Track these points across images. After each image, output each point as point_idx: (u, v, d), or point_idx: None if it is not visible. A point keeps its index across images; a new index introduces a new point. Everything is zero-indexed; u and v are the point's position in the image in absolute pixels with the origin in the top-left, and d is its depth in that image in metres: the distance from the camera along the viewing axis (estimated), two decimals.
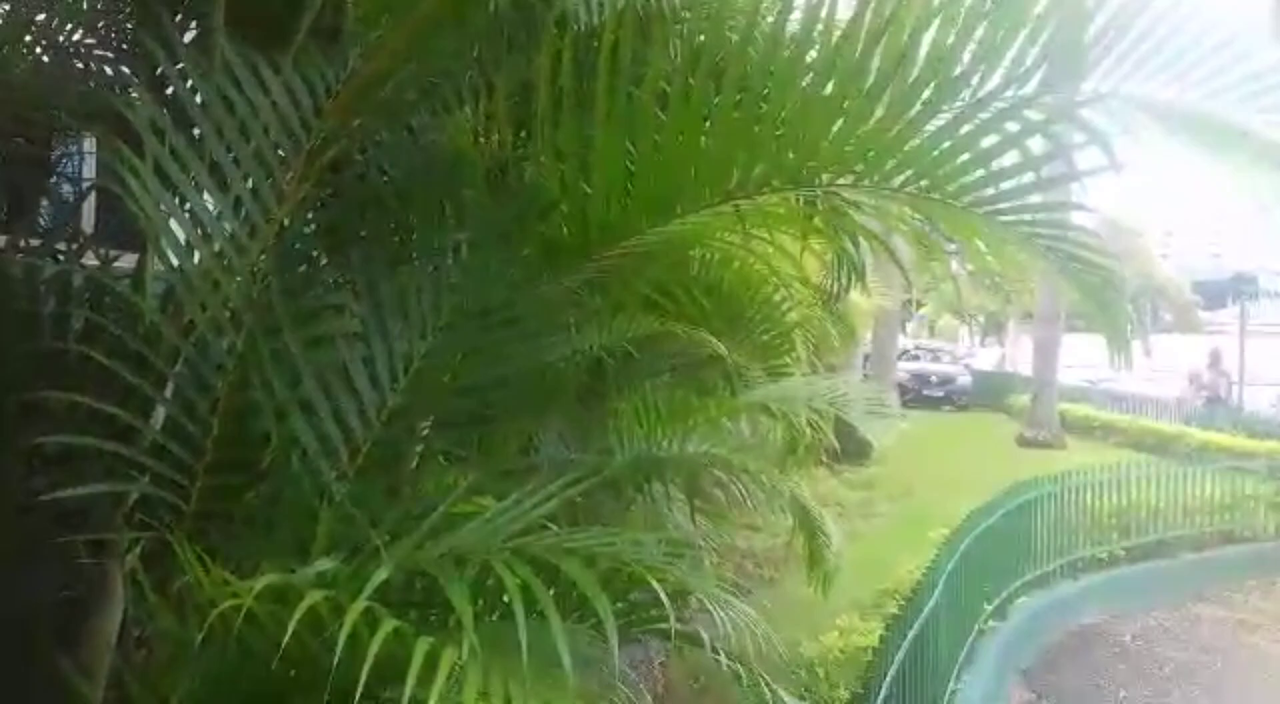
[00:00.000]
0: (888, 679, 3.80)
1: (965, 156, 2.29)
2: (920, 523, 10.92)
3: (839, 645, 5.78)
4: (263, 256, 2.20)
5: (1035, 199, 2.52)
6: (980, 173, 2.29)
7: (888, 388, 22.42)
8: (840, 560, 5.77)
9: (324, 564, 1.72)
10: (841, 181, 2.20)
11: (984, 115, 2.36)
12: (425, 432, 2.77)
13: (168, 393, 2.15)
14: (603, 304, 4.97)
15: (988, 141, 2.37)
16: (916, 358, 29.33)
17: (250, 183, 2.22)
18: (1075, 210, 2.75)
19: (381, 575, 1.66)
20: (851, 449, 14.52)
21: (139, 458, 2.07)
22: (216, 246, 2.16)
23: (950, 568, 5.94)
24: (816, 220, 3.47)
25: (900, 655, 4.19)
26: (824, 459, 12.76)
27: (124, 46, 2.31)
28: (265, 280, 2.18)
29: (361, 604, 1.56)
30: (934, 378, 27.48)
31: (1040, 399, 20.34)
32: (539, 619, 2.20)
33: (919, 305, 49.30)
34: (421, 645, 1.53)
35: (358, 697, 1.49)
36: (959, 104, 2.38)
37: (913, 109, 2.27)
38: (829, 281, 4.53)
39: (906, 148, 2.28)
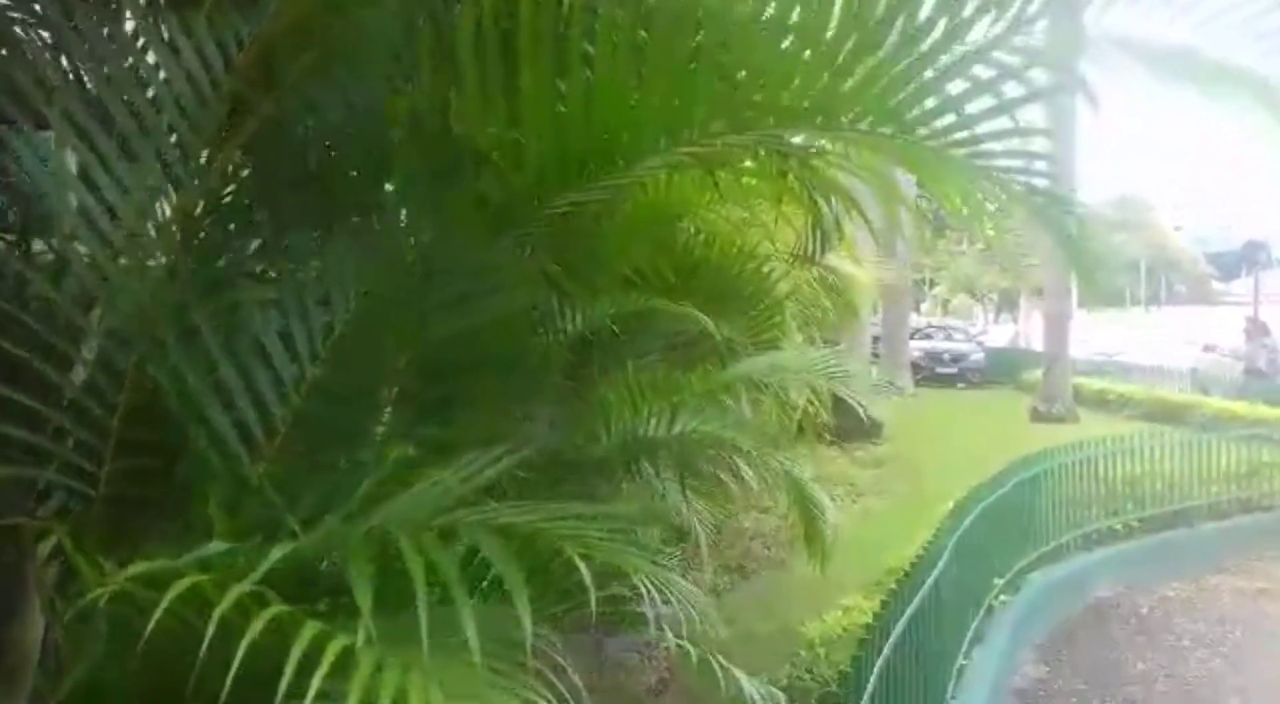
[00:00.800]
0: (882, 657, 3.64)
1: (931, 99, 2.13)
2: (932, 500, 10.76)
3: (842, 624, 5.63)
4: (174, 229, 2.06)
5: (1009, 144, 2.37)
6: (950, 117, 2.12)
7: (900, 367, 22.26)
8: (838, 538, 5.62)
9: (217, 547, 1.57)
10: (797, 125, 2.04)
11: (949, 57, 2.21)
12: (386, 412, 2.64)
13: (78, 375, 2.01)
14: (583, 285, 4.85)
15: (955, 86, 2.22)
16: (929, 336, 29.05)
17: (160, 152, 2.08)
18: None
19: (274, 556, 1.51)
20: (863, 428, 14.36)
21: (44, 443, 1.93)
22: (121, 223, 2.02)
23: (955, 542, 5.78)
24: (790, 178, 3.33)
25: (897, 632, 4.03)
26: (834, 438, 12.64)
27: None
28: (174, 254, 2.03)
29: (243, 588, 1.41)
30: (947, 356, 27.23)
31: (1052, 373, 20.10)
32: (481, 601, 2.07)
33: (932, 284, 49.04)
34: (307, 632, 1.39)
35: (226, 688, 1.34)
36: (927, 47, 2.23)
37: (875, 51, 2.13)
38: (803, 245, 4.37)
39: (862, 87, 2.12)
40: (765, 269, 5.65)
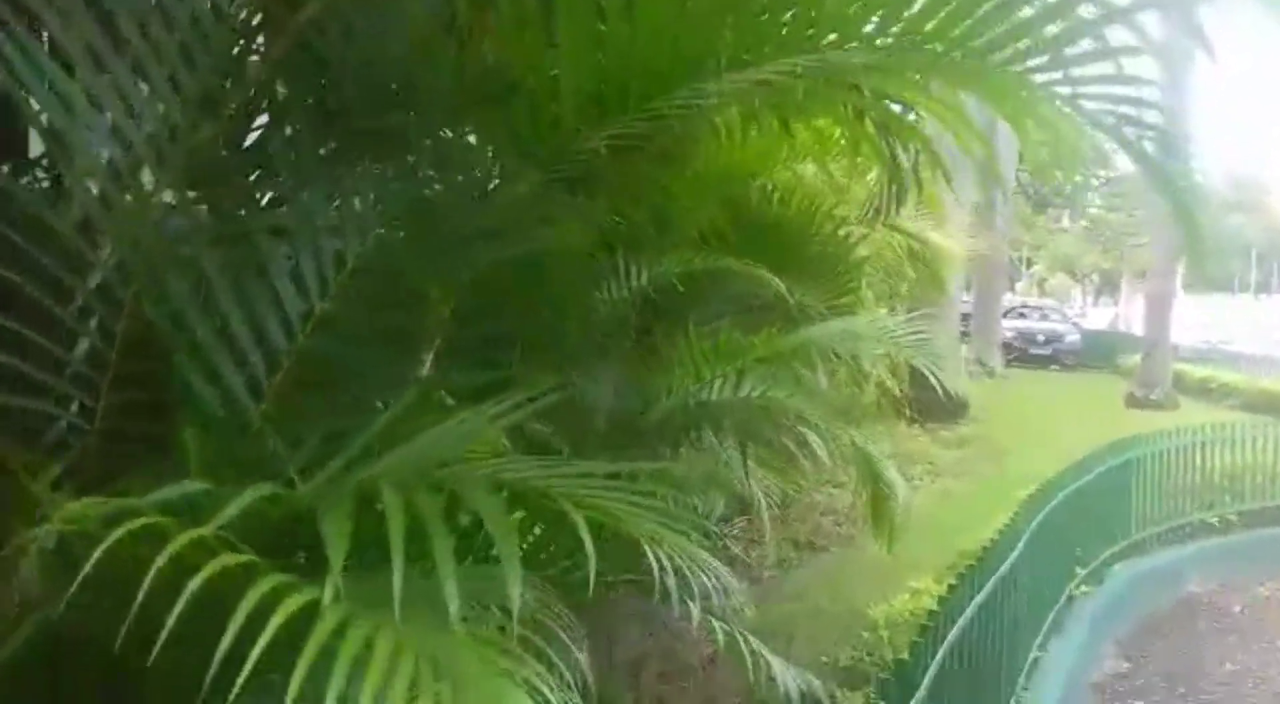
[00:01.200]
0: (946, 644, 3.42)
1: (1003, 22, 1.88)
2: (1015, 484, 10.37)
3: (909, 608, 5.39)
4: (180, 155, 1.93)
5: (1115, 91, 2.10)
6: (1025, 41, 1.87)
7: (991, 346, 21.62)
8: (913, 519, 5.37)
9: (189, 487, 1.44)
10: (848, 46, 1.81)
11: None
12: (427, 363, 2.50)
13: (76, 305, 1.89)
14: (650, 242, 4.66)
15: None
16: (1024, 315, 28.17)
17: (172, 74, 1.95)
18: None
19: (243, 500, 1.37)
20: (947, 407, 13.96)
21: (39, 373, 1.82)
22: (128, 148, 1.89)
23: (1036, 528, 5.48)
24: (867, 125, 3.09)
25: (964, 619, 3.79)
26: (915, 416, 12.27)
27: None
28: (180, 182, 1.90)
29: (197, 533, 1.27)
30: (1041, 336, 26.36)
31: (1152, 357, 19.31)
32: (486, 562, 1.91)
33: (1029, 263, 47.64)
34: (264, 583, 1.24)
35: (162, 639, 1.20)
36: None
37: None
38: (880, 201, 4.10)
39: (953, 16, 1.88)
40: (842, 232, 5.39)
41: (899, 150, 2.96)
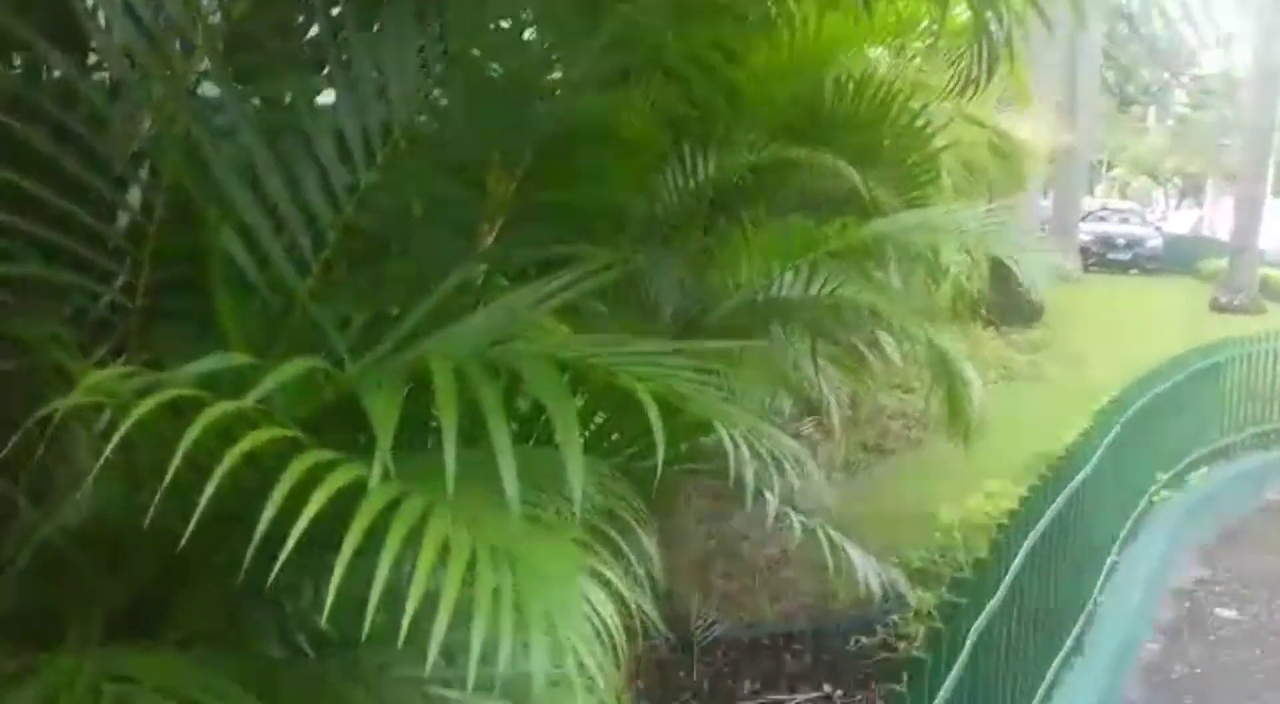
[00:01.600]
0: (1025, 547, 3.29)
1: None
2: (1092, 389, 10.08)
3: (984, 510, 5.26)
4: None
5: None
6: None
7: (1069, 249, 20.96)
8: (985, 422, 5.20)
9: (230, 359, 1.35)
10: None
11: None
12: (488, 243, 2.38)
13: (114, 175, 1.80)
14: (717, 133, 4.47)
15: None
16: (1103, 219, 27.22)
17: None
18: None
19: (286, 372, 1.27)
20: (1022, 311, 13.63)
21: (78, 247, 1.73)
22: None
23: (1116, 432, 5.28)
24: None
25: (1044, 522, 3.66)
26: (990, 319, 11.97)
27: None
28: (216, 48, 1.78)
29: (235, 406, 1.18)
30: (1121, 240, 25.48)
31: (1238, 262, 18.63)
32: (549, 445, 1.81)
33: (1108, 166, 45.93)
34: (306, 459, 1.15)
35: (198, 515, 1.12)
36: None
37: None
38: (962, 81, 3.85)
39: None
40: (919, 121, 5.12)
41: (991, 20, 2.72)
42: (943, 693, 2.21)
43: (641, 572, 1.54)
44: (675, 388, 1.43)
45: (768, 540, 5.50)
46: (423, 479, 1.26)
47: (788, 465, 1.52)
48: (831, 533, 2.05)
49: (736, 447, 1.38)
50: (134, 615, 1.83)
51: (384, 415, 1.23)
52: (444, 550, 1.13)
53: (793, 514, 2.00)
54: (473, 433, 1.34)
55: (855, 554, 2.10)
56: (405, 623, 1.12)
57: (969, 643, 2.51)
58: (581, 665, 1.11)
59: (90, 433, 1.65)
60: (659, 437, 1.21)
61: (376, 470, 1.19)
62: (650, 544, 1.66)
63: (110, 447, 1.24)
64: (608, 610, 1.19)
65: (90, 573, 1.75)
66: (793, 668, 4.86)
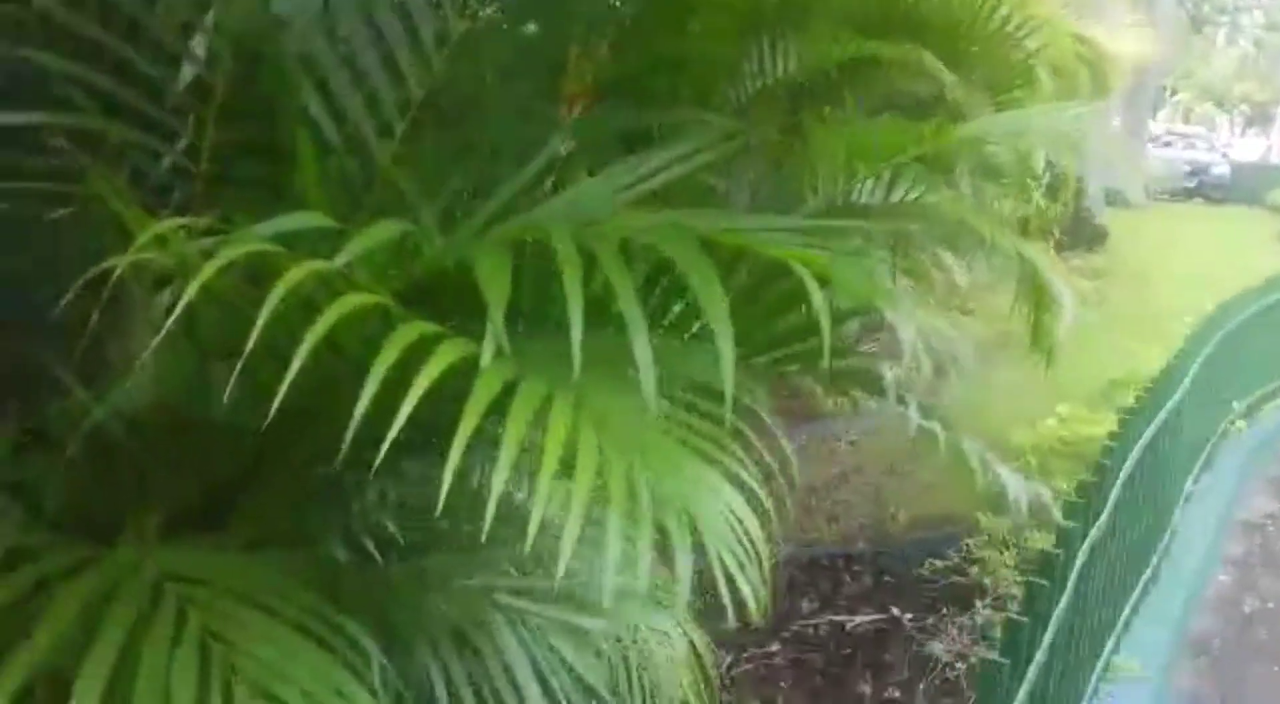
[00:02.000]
0: (1124, 472, 3.10)
1: None
2: (1156, 315, 9.74)
3: (1059, 433, 5.05)
4: None
5: None
6: None
7: (1134, 176, 20.27)
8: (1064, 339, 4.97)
9: (308, 218, 1.16)
10: None
11: None
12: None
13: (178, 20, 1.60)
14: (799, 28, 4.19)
15: None
16: (1168, 145, 26.29)
17: None
18: None
19: (380, 234, 1.09)
20: (1084, 235, 13.21)
21: (135, 100, 1.55)
22: None
23: (1207, 354, 5.04)
24: None
25: (1139, 447, 3.46)
26: (1060, 240, 11.57)
27: None
28: None
29: (321, 267, 1.00)
30: (1186, 167, 24.62)
31: None
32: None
33: (1173, 91, 44.34)
34: (408, 331, 0.97)
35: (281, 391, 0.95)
36: None
37: None
38: None
39: None
40: (1010, 28, 4.79)
41: None
42: (1054, 618, 2.05)
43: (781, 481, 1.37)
44: (828, 264, 1.23)
45: (830, 460, 5.35)
46: (536, 364, 1.08)
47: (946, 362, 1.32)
48: (974, 446, 1.88)
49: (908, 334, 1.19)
50: (195, 513, 1.69)
51: (497, 285, 1.05)
52: (570, 440, 0.95)
53: (913, 413, 1.82)
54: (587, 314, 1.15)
55: (1004, 471, 1.92)
56: (486, 527, 0.95)
57: (1076, 566, 2.35)
58: (730, 579, 0.94)
59: (150, 305, 1.49)
60: (825, 320, 1.02)
61: (489, 347, 1.00)
62: (790, 450, 1.49)
63: (174, 317, 1.08)
64: (753, 523, 1.01)
65: (149, 466, 1.60)
66: (852, 589, 4.74)
